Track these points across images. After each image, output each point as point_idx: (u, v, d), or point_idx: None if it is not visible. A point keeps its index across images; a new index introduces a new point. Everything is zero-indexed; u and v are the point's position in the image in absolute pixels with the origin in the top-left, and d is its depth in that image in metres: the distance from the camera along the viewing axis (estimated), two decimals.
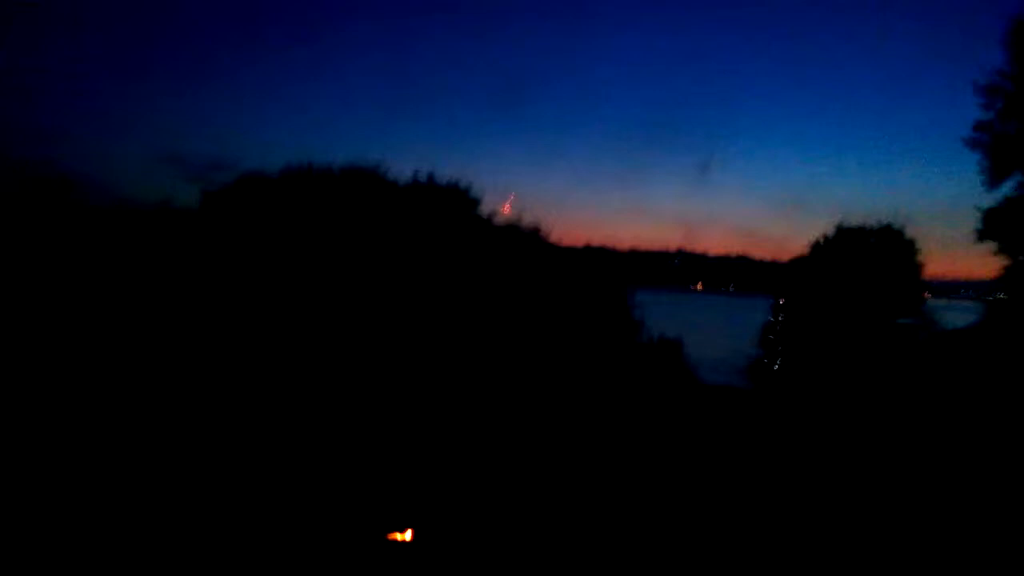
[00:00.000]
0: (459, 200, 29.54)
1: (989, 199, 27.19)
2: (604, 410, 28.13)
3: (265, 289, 25.29)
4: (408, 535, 18.00)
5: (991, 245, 27.30)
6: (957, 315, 36.10)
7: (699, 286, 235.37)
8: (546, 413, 25.31)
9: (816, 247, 37.74)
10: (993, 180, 26.85)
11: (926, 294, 36.70)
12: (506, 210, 31.10)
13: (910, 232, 35.85)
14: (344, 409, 22.06)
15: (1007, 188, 26.75)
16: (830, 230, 37.41)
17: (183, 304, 24.90)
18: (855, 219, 37.17)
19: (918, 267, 35.90)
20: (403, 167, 31.34)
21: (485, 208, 30.46)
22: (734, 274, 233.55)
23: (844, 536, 18.44)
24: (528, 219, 31.18)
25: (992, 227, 26.98)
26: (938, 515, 19.93)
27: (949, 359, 27.94)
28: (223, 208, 28.63)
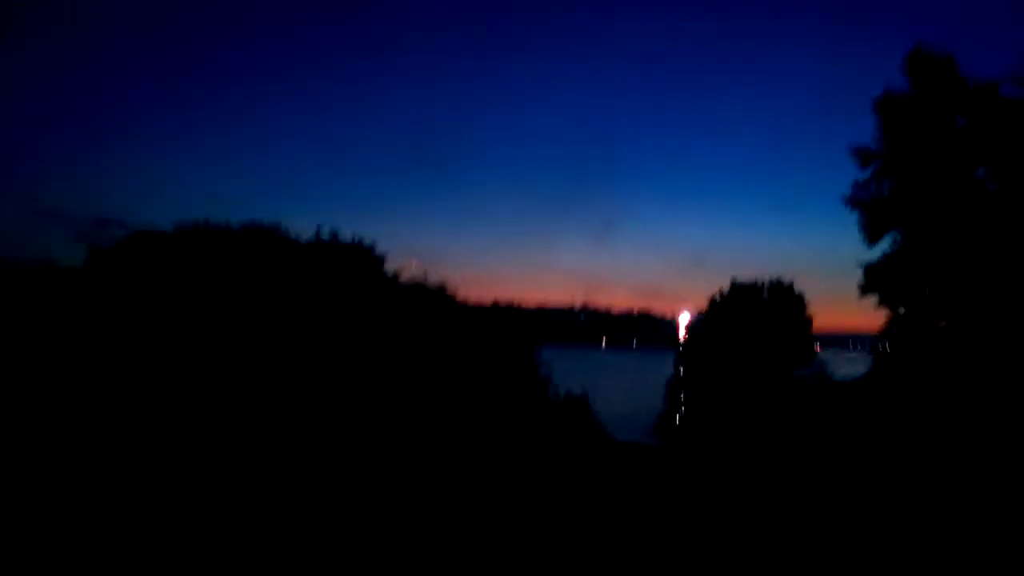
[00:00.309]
0: (363, 258, 29.19)
1: (869, 255, 28.98)
2: (512, 468, 27.84)
3: (157, 349, 24.12)
4: None
5: (873, 298, 28.92)
6: (847, 366, 37.88)
7: (604, 342, 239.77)
8: (452, 471, 24.82)
9: (713, 303, 39.15)
10: (872, 237, 28.61)
11: (817, 346, 38.46)
12: (412, 268, 30.99)
13: (799, 287, 37.79)
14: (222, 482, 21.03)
15: (885, 245, 28.63)
16: (725, 286, 38.97)
17: (67, 365, 23.47)
18: (748, 275, 38.87)
19: (808, 320, 37.72)
20: (308, 225, 30.88)
21: (391, 266, 30.26)
22: (637, 330, 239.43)
23: None
24: (435, 277, 31.16)
25: (873, 281, 28.62)
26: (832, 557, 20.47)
27: (842, 408, 29.17)
28: (112, 266, 27.33)
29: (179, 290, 25.71)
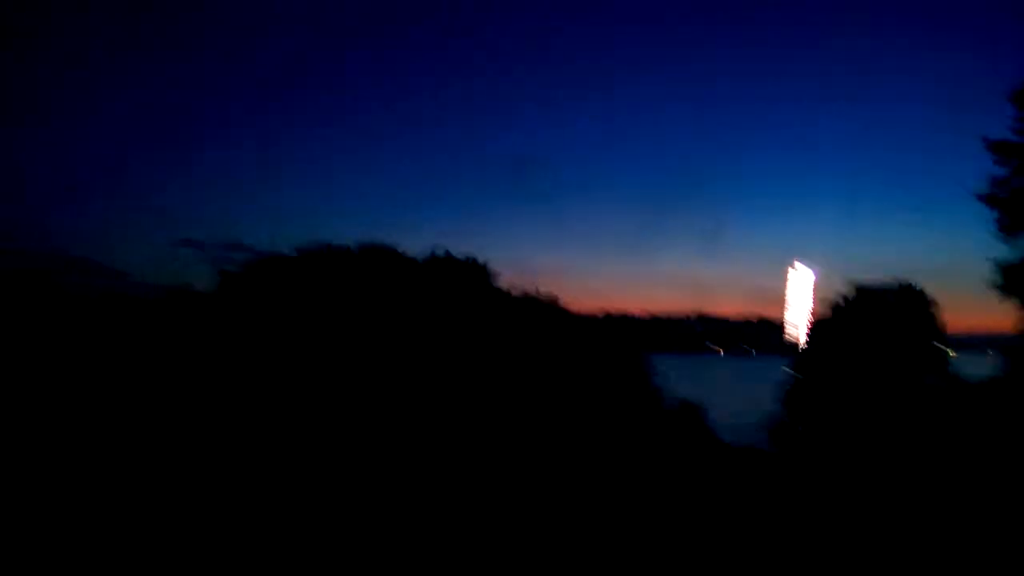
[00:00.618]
0: (477, 274, 30.14)
1: (1006, 252, 27.25)
2: (629, 476, 27.94)
3: (288, 366, 25.74)
4: None
5: (1013, 300, 27.21)
6: (983, 371, 35.72)
7: (720, 350, 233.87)
8: (570, 484, 25.19)
9: (836, 307, 37.74)
10: (1011, 234, 26.92)
11: (951, 351, 36.42)
12: (523, 282, 31.69)
13: (929, 291, 35.92)
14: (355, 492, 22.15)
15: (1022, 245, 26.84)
16: (848, 290, 37.53)
17: (208, 382, 25.39)
18: (872, 278, 37.29)
19: (939, 325, 35.76)
20: (417, 242, 32.16)
21: (502, 281, 31.09)
22: (754, 336, 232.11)
23: None
24: (545, 290, 31.75)
25: (1012, 282, 26.95)
26: None
27: (973, 414, 27.59)
28: (241, 289, 29.39)
29: (305, 309, 27.37)
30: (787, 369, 39.40)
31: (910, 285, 36.36)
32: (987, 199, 27.02)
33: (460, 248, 30.92)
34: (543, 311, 30.87)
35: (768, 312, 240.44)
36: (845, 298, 37.45)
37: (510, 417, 25.59)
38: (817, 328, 39.25)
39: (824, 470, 30.79)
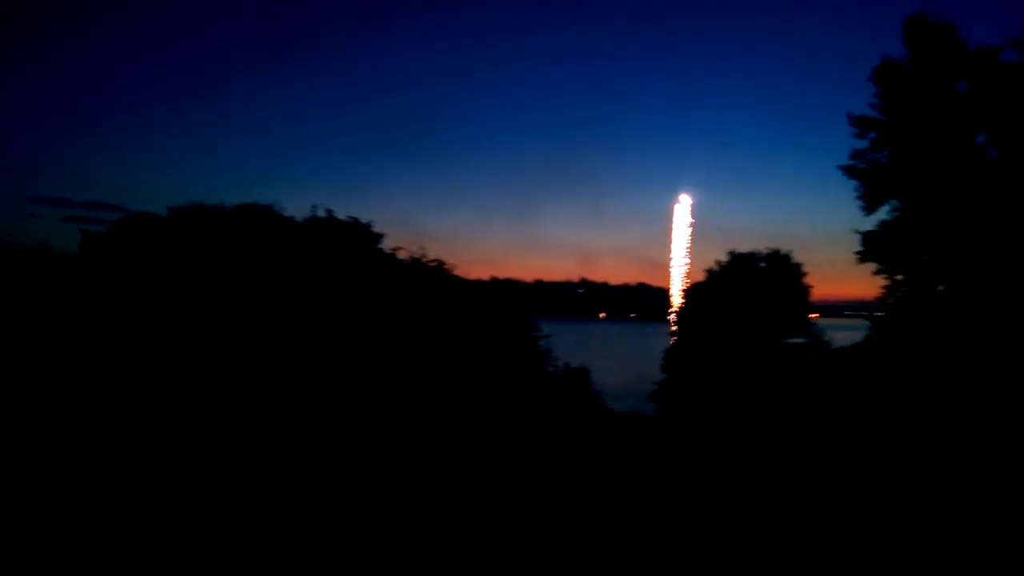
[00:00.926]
0: (361, 235, 29.15)
1: (867, 223, 28.93)
2: (514, 437, 28.11)
3: (156, 330, 24.16)
4: None
5: (871, 266, 28.93)
6: (844, 334, 38.03)
7: (602, 315, 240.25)
8: (456, 442, 25.05)
9: (711, 273, 39.14)
10: (870, 205, 28.54)
11: (814, 315, 38.51)
12: (409, 245, 30.95)
13: (796, 257, 37.79)
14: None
15: (883, 213, 28.55)
16: (723, 257, 38.97)
17: (67, 346, 23.50)
18: (745, 245, 38.86)
19: (805, 289, 37.74)
20: (302, 206, 30.80)
21: (388, 243, 30.23)
22: (636, 302, 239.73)
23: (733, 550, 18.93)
24: (433, 254, 31.16)
25: (871, 249, 28.58)
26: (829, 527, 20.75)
27: (838, 375, 29.32)
28: (106, 249, 27.30)
29: (175, 271, 25.68)
30: (668, 334, 40.77)
31: (778, 251, 38.22)
32: (849, 171, 28.42)
33: (345, 209, 29.87)
34: (430, 275, 30.32)
35: (649, 278, 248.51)
36: (719, 264, 38.97)
37: (396, 382, 25.06)
38: (694, 292, 40.67)
39: (701, 431, 32.06)
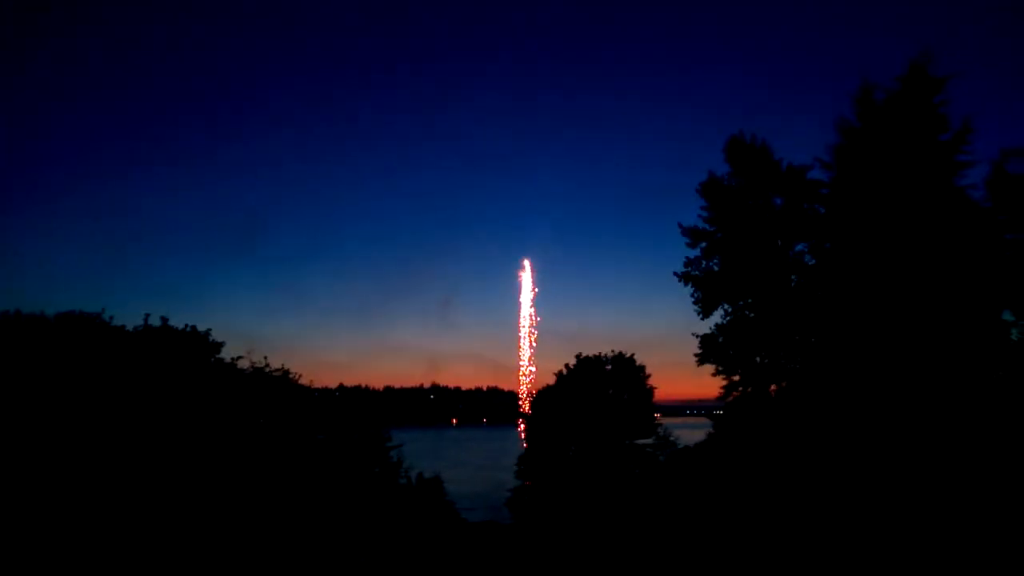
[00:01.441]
0: (199, 344, 27.40)
1: (703, 326, 30.71)
2: (364, 556, 26.49)
3: None
4: None
5: (709, 367, 30.54)
6: (688, 432, 39.52)
7: (454, 421, 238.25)
8: (303, 563, 23.25)
9: (560, 376, 39.88)
10: (705, 309, 30.39)
11: (658, 415, 39.87)
12: (250, 355, 29.40)
13: (640, 358, 39.35)
14: None
15: (717, 316, 30.47)
16: (571, 361, 39.93)
17: None
18: (593, 350, 40.07)
19: (650, 391, 39.18)
20: (133, 315, 28.75)
21: (228, 353, 28.57)
22: (487, 407, 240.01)
23: None
24: (274, 363, 29.72)
25: (708, 351, 30.25)
26: None
27: (685, 475, 30.20)
28: None
29: None
30: (521, 436, 40.74)
31: (622, 355, 39.68)
32: (684, 277, 30.29)
33: (182, 318, 27.98)
34: (274, 385, 28.78)
35: (500, 382, 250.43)
36: (568, 367, 39.86)
37: (238, 499, 23.13)
38: (543, 396, 41.14)
39: (556, 538, 31.71)
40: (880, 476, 21.14)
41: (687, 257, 30.02)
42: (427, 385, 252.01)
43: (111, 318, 26.96)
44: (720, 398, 29.71)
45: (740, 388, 28.76)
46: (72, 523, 20.34)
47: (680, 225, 30.20)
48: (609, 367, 39.67)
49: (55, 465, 21.51)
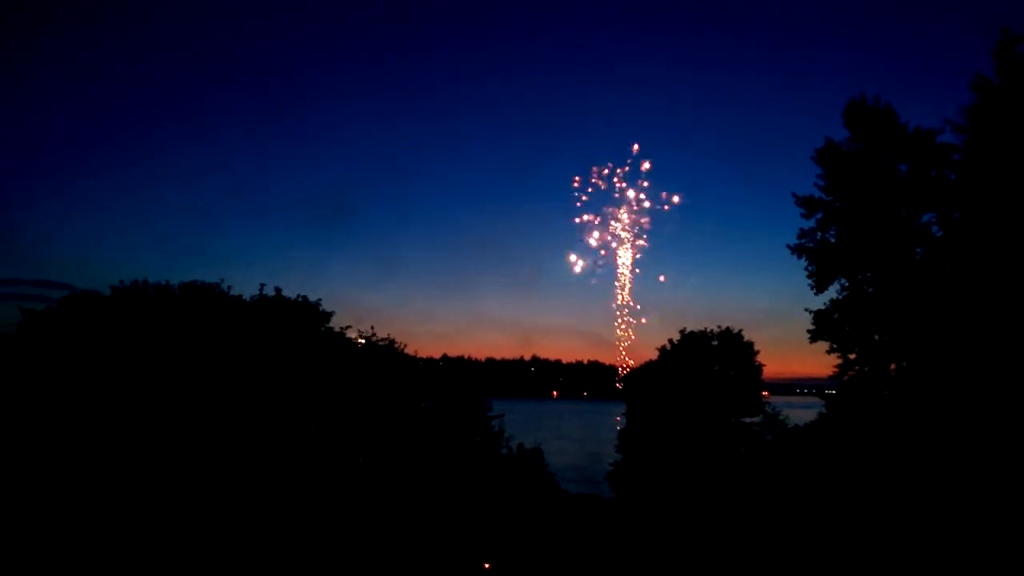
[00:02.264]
0: (310, 314, 28.35)
1: (818, 301, 29.30)
2: (468, 522, 26.98)
3: (99, 412, 22.84)
4: None
5: (823, 345, 29.17)
6: (797, 411, 38.10)
7: (555, 394, 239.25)
8: (409, 527, 23.90)
9: (664, 352, 39.10)
10: (820, 284, 28.97)
11: (766, 393, 38.55)
12: (358, 325, 30.24)
13: (747, 335, 38.09)
14: None
15: (833, 291, 29.00)
16: (676, 336, 39.08)
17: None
18: (698, 325, 39.08)
19: (758, 368, 37.88)
20: (247, 285, 29.90)
21: (336, 322, 29.47)
22: (588, 380, 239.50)
23: None
24: (381, 333, 30.43)
25: (823, 327, 28.86)
26: None
27: (795, 456, 29.07)
28: (46, 328, 25.96)
29: (118, 351, 24.48)
30: (623, 414, 40.32)
31: (729, 330, 38.52)
32: (797, 250, 28.90)
33: (287, 288, 28.97)
34: (381, 354, 29.50)
35: (602, 356, 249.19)
36: (672, 343, 39.03)
37: (347, 465, 23.97)
38: (647, 371, 40.48)
39: (658, 515, 31.32)
40: (1007, 465, 19.65)
41: (801, 228, 28.66)
42: (527, 357, 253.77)
43: (229, 288, 28.25)
44: (834, 377, 28.34)
45: (857, 367, 27.31)
46: (209, 473, 21.58)
47: (794, 195, 28.82)
48: (715, 343, 38.59)
49: (185, 425, 22.85)
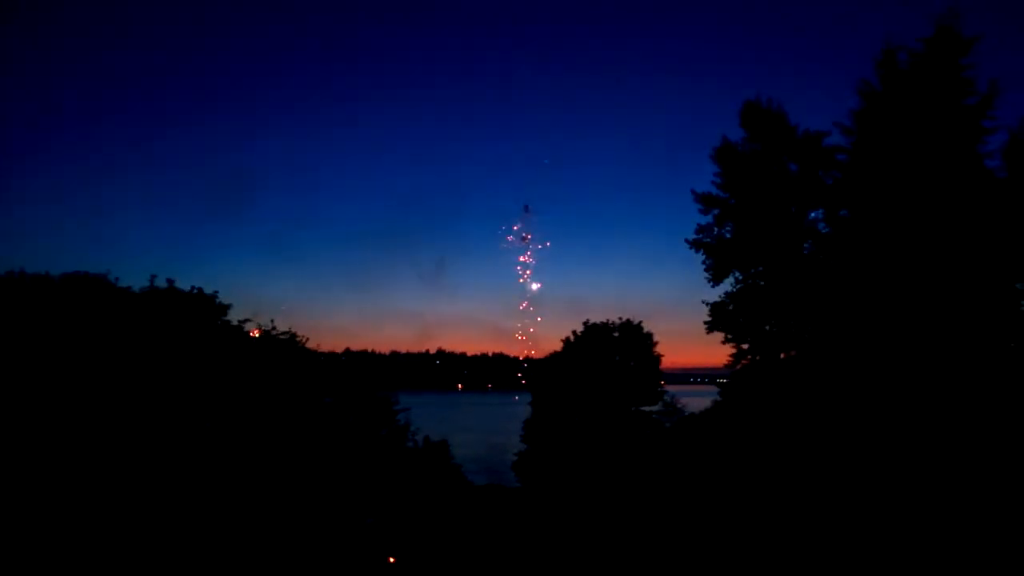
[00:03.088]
0: (206, 307, 27.26)
1: (713, 294, 30.48)
2: (372, 517, 26.69)
3: None
4: None
5: (718, 336, 30.37)
6: (692, 399, 39.52)
7: (460, 386, 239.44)
8: (312, 523, 23.43)
9: (567, 343, 39.77)
10: (716, 277, 30.14)
11: (663, 383, 39.81)
12: (256, 318, 29.30)
13: (648, 327, 39.22)
14: None
15: (728, 284, 30.23)
16: (579, 328, 39.81)
17: None
18: (600, 317, 39.94)
19: (657, 358, 39.10)
20: (128, 278, 28.42)
21: (235, 315, 28.46)
22: (492, 372, 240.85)
23: None
24: (281, 327, 29.61)
25: (718, 319, 30.07)
26: None
27: (692, 442, 30.19)
28: None
29: None
30: (526, 403, 40.80)
31: (630, 322, 39.58)
32: (695, 244, 29.96)
33: (187, 281, 27.77)
34: (281, 348, 28.70)
35: (505, 349, 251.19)
36: (575, 334, 39.78)
37: (247, 461, 23.20)
38: (550, 362, 41.09)
39: (561, 502, 31.88)
40: (889, 449, 21.04)
41: (699, 224, 29.72)
42: (432, 351, 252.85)
43: (116, 279, 26.80)
44: (728, 366, 29.61)
45: (749, 356, 28.63)
46: (82, 484, 20.42)
47: (693, 191, 29.83)
48: (616, 334, 39.54)
49: (61, 428, 21.54)
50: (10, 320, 23.43)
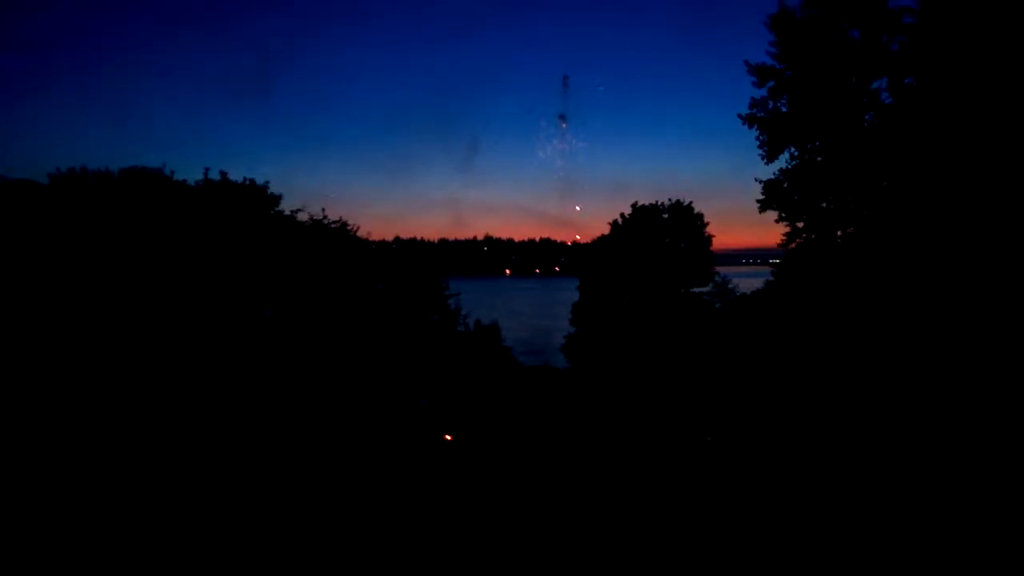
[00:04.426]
0: (259, 198, 27.64)
1: (767, 172, 29.45)
2: (427, 398, 27.73)
3: (38, 308, 22.28)
4: None
5: (771, 215, 29.62)
6: (744, 281, 39.21)
7: (508, 272, 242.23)
8: (368, 406, 24.44)
9: (615, 226, 39.45)
10: (771, 153, 29.04)
11: (714, 265, 39.49)
12: (308, 207, 29.64)
13: (696, 207, 38.55)
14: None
15: (783, 161, 29.16)
16: (627, 210, 39.34)
17: None
18: (649, 198, 39.31)
19: (707, 239, 38.62)
20: (191, 169, 28.81)
21: (286, 206, 28.85)
22: (540, 257, 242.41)
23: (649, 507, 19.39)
24: (332, 216, 29.95)
25: (772, 197, 29.22)
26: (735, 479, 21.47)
27: (743, 323, 30.14)
28: None
29: (60, 242, 23.67)
30: (574, 288, 41.04)
31: (679, 203, 38.90)
32: (748, 119, 28.73)
33: (238, 172, 28.13)
34: (333, 237, 29.14)
35: (552, 234, 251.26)
36: (623, 216, 39.36)
37: (305, 348, 24.09)
38: (599, 246, 40.95)
39: (611, 382, 32.52)
40: (953, 329, 20.49)
41: (753, 98, 28.38)
42: (480, 237, 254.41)
43: (172, 173, 27.22)
44: (781, 245, 29.01)
45: (804, 235, 27.96)
46: (153, 361, 21.49)
47: (747, 62, 28.30)
48: (666, 216, 39.04)
49: (132, 317, 22.50)
50: (82, 215, 24.14)
